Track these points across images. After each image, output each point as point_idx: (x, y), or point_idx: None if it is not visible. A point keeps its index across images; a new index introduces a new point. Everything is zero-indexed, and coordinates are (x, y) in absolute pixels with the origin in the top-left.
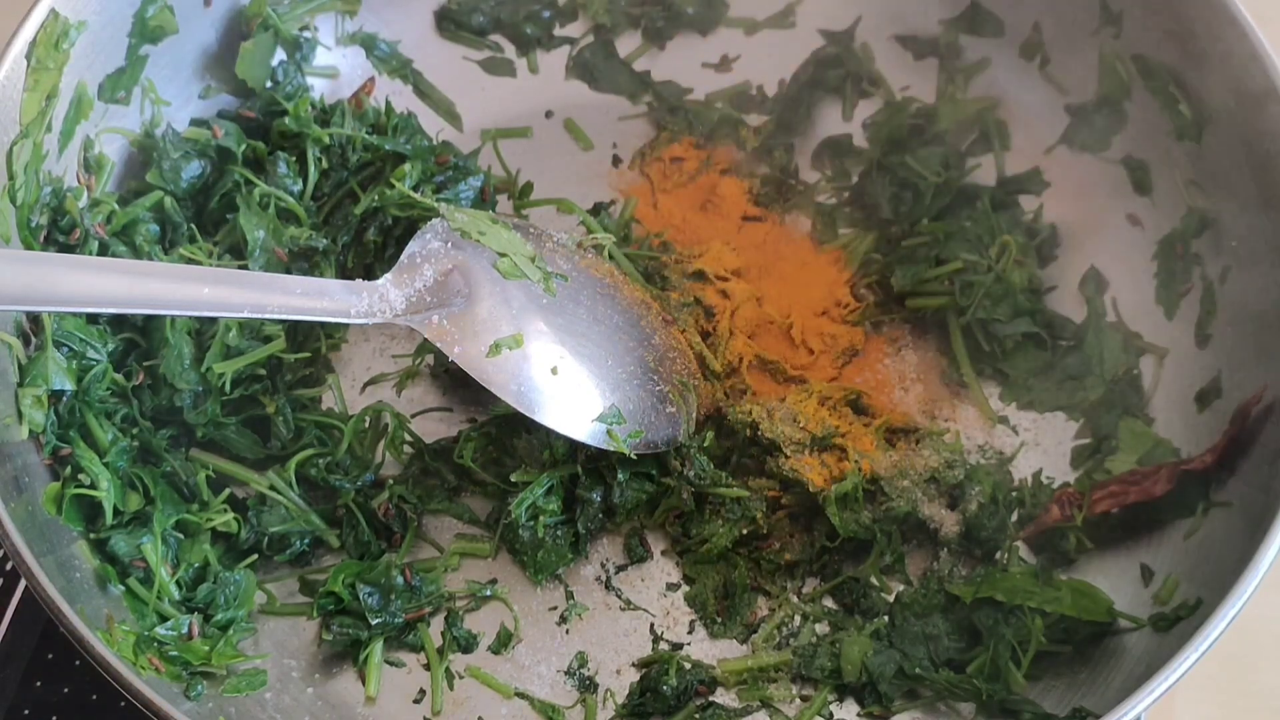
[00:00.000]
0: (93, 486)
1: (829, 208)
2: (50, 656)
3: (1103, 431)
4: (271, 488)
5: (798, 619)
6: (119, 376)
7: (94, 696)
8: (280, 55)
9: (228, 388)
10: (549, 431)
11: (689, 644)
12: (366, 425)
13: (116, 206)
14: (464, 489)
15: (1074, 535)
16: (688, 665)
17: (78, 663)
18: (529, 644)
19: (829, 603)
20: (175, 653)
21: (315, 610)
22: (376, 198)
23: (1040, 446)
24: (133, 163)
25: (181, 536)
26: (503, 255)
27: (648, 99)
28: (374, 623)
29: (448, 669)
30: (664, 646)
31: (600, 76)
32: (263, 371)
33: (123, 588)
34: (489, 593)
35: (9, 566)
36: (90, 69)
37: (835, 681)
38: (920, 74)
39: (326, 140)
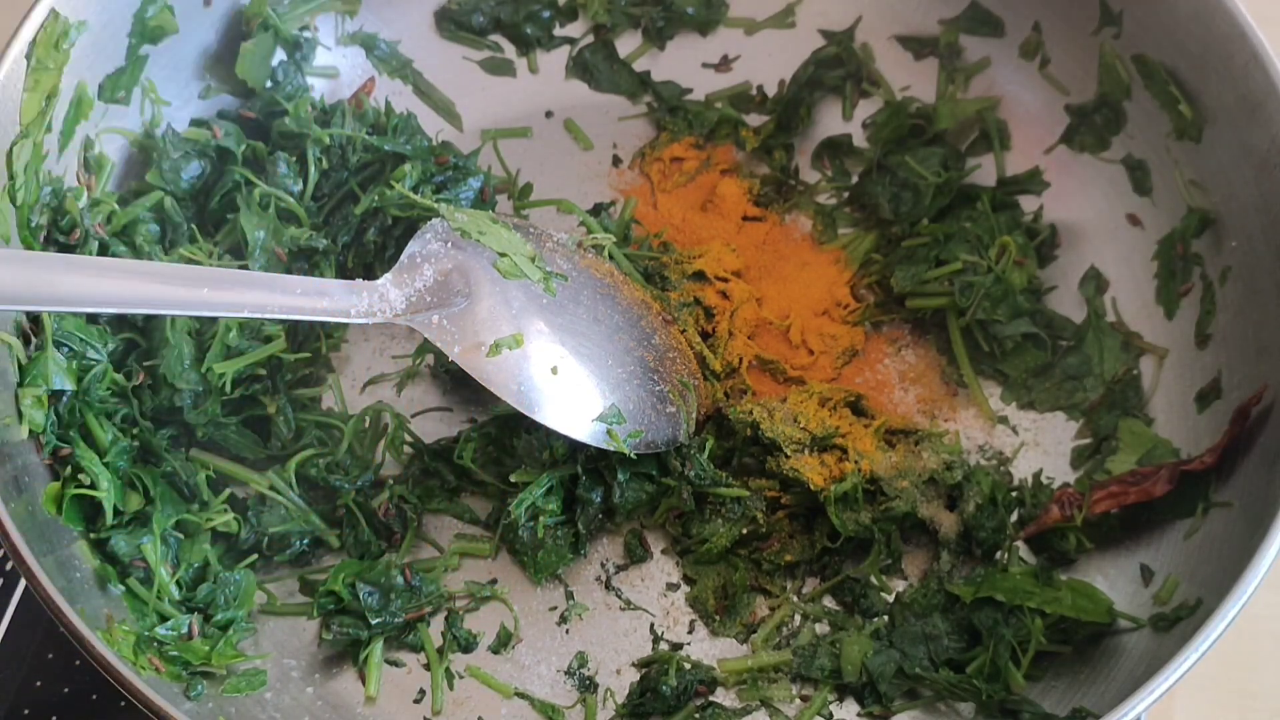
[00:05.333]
0: (93, 486)
1: (829, 208)
2: (50, 656)
3: (1103, 432)
4: (271, 488)
5: (798, 619)
6: (119, 376)
7: (94, 696)
8: (280, 55)
9: (228, 388)
10: (549, 431)
11: (689, 644)
12: (366, 425)
13: (116, 206)
14: (464, 489)
15: (1074, 535)
16: (687, 665)
17: (78, 663)
18: (529, 644)
19: (829, 603)
20: (175, 653)
21: (315, 610)
22: (376, 198)
23: (1040, 446)
24: (133, 163)
25: (181, 536)
26: (503, 255)
27: (648, 99)
28: (374, 623)
29: (448, 669)
30: (664, 646)
31: (600, 76)
32: (263, 371)
33: (123, 588)
34: (489, 593)
35: (9, 566)
36: (90, 69)
37: (835, 681)
38: (920, 74)
39: (326, 140)
